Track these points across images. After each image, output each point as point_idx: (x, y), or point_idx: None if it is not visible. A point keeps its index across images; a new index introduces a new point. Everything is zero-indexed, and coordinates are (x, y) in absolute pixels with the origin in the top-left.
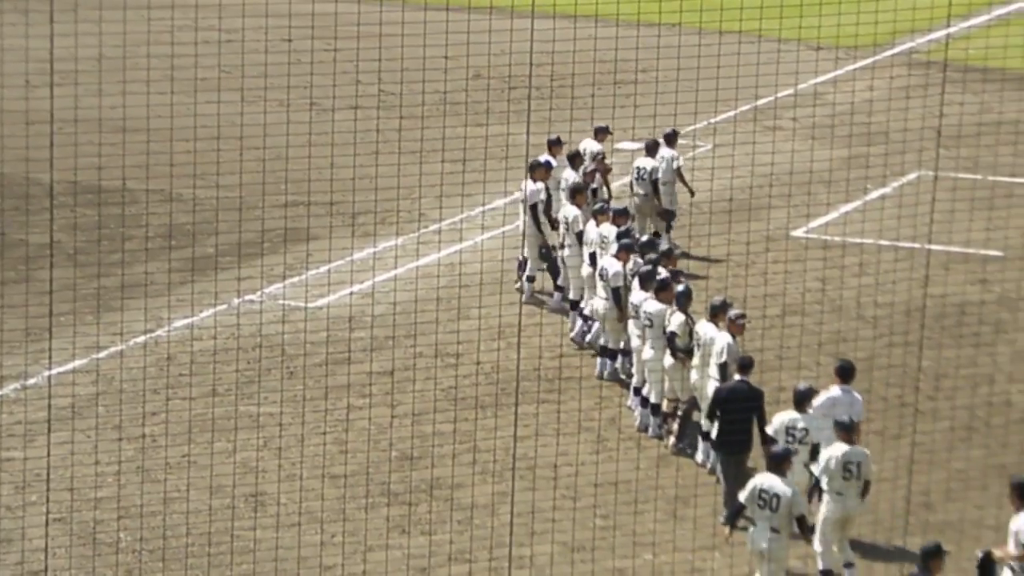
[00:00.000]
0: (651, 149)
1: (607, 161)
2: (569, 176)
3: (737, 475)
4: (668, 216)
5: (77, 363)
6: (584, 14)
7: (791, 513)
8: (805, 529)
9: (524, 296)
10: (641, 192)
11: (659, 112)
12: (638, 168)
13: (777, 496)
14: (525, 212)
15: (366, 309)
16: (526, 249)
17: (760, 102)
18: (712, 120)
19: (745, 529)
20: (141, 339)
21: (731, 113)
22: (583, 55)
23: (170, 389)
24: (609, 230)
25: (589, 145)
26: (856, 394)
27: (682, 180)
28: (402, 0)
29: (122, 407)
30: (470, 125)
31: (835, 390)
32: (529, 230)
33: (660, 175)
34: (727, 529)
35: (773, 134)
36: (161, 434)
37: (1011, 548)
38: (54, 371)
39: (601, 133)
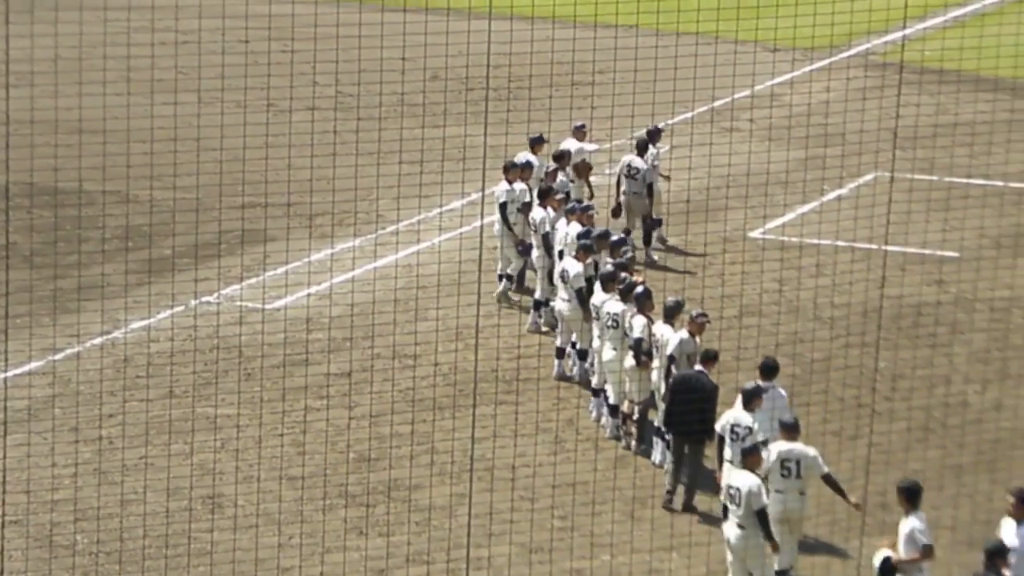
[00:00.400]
0: (642, 148)
1: (587, 159)
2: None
3: (688, 460)
4: (655, 224)
5: (33, 365)
6: (541, 15)
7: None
8: (765, 525)
9: (506, 301)
10: (633, 191)
11: (616, 114)
12: (629, 166)
13: (740, 491)
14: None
15: (323, 310)
16: (502, 250)
17: (717, 103)
18: (669, 121)
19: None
20: (98, 341)
21: (688, 114)
22: (540, 56)
23: (127, 391)
24: (576, 229)
25: (570, 144)
26: (780, 390)
27: (659, 174)
28: (359, 1)
29: (79, 409)
30: (427, 126)
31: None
32: (502, 230)
33: (648, 177)
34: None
35: (730, 135)
36: (118, 436)
37: (901, 551)
38: (10, 373)
39: (579, 132)
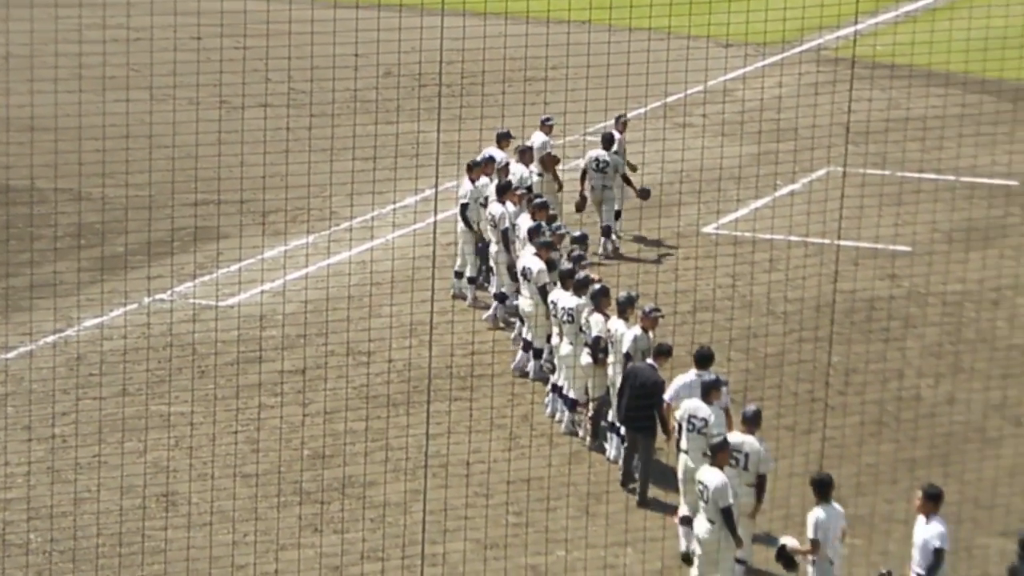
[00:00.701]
0: (607, 142)
1: (552, 152)
2: (518, 171)
3: (639, 453)
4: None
5: None
6: (494, 11)
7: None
8: (730, 522)
9: (468, 300)
10: (602, 184)
11: (569, 109)
12: (597, 160)
13: (707, 488)
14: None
15: (277, 307)
16: (461, 249)
17: (670, 99)
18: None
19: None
20: (51, 339)
21: (641, 110)
22: (493, 52)
23: (80, 389)
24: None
25: (537, 137)
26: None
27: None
28: None
29: (32, 407)
30: (381, 123)
31: (690, 375)
32: (462, 227)
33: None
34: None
35: (683, 131)
36: (71, 434)
37: (798, 540)
38: None
39: (545, 125)
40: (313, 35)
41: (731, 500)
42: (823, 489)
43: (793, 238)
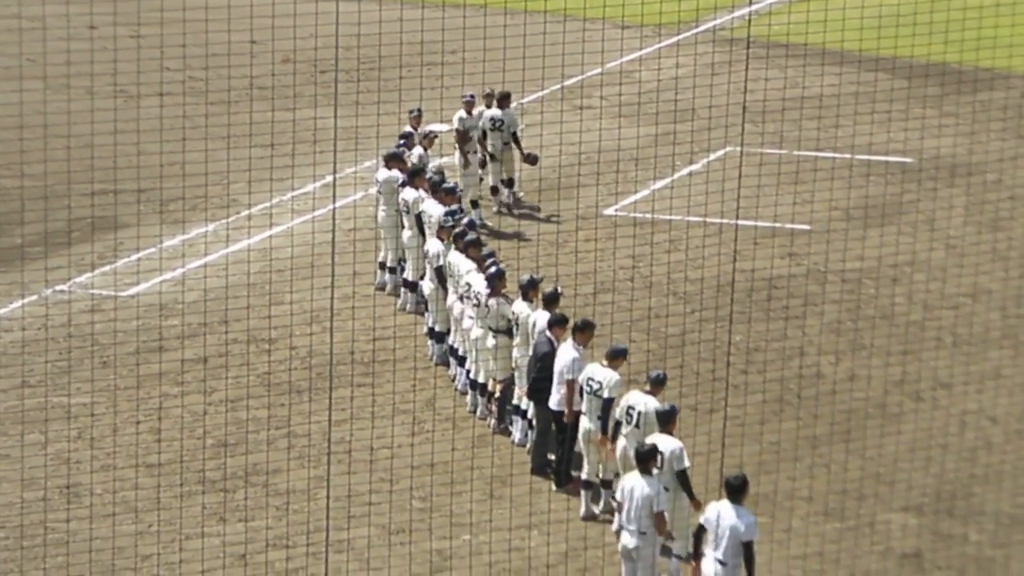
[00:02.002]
0: (502, 100)
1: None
2: (416, 153)
3: (557, 428)
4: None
5: None
6: None
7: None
8: (686, 485)
9: (388, 288)
10: (503, 142)
11: (468, 92)
12: (492, 119)
13: (662, 454)
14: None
15: (177, 296)
16: (385, 241)
17: (568, 82)
18: (521, 101)
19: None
20: None
21: (539, 93)
22: (390, 37)
23: None
24: (439, 209)
25: (460, 115)
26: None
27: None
28: None
29: None
30: (278, 109)
31: (568, 345)
32: (389, 221)
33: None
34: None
35: (581, 113)
36: None
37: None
38: None
39: (468, 104)
40: (208, 22)
41: (687, 463)
42: (644, 460)
43: (693, 219)
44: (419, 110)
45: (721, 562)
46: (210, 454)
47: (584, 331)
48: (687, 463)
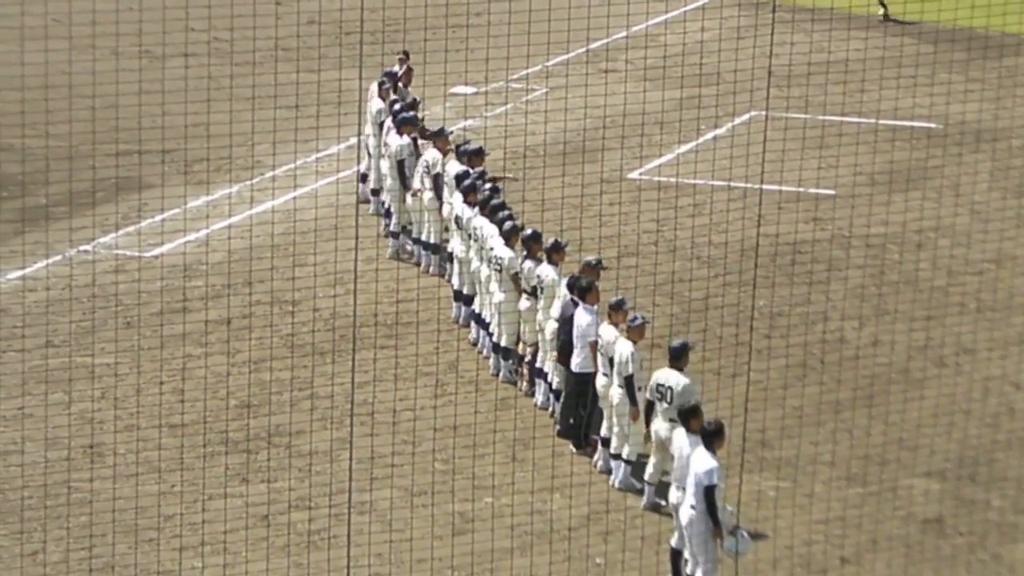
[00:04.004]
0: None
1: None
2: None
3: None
4: None
5: None
6: None
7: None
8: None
9: (389, 252)
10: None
11: (492, 56)
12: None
13: (671, 389)
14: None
15: (201, 258)
16: (392, 203)
17: (593, 45)
18: (546, 63)
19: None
20: None
21: (564, 56)
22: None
23: (4, 341)
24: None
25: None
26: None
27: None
28: None
29: None
30: (303, 71)
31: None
32: (395, 184)
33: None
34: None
35: (606, 76)
36: None
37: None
38: None
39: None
40: None
41: (698, 397)
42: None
43: (717, 183)
44: (406, 52)
45: (694, 507)
46: (233, 415)
47: (592, 291)
48: (699, 397)
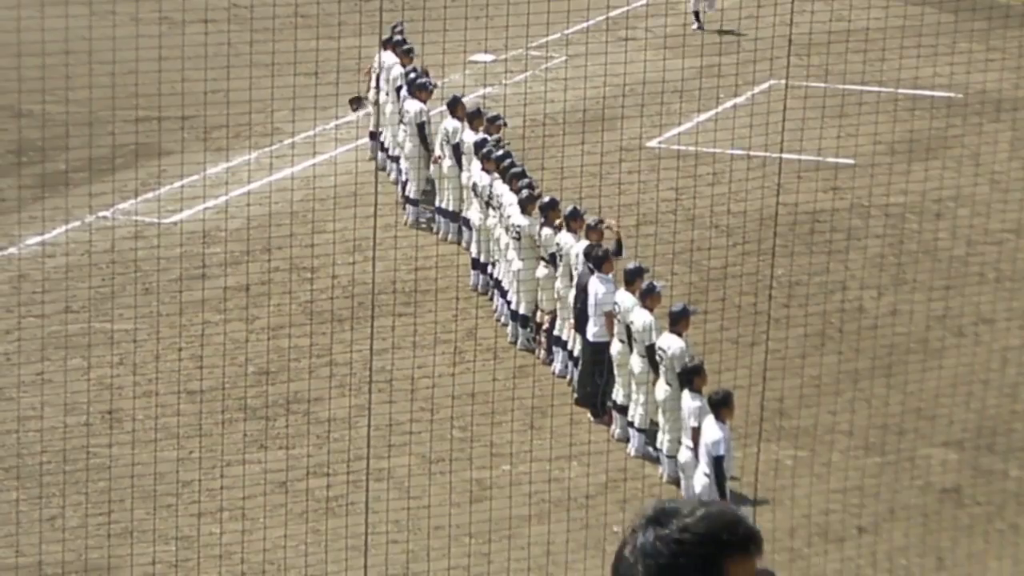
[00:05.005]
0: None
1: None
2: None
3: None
4: None
5: None
6: None
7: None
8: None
9: (409, 219)
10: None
11: (512, 23)
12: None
13: (666, 352)
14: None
15: (220, 224)
16: (411, 171)
17: (613, 13)
18: (565, 31)
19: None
20: None
21: (584, 24)
22: None
23: (23, 307)
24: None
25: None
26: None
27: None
28: None
29: None
30: (322, 38)
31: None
32: (418, 151)
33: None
34: None
35: (626, 44)
36: (15, 352)
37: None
38: None
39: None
40: None
41: (688, 360)
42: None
43: (736, 151)
44: (401, 23)
45: (707, 475)
46: (251, 382)
47: (608, 261)
48: (688, 360)
